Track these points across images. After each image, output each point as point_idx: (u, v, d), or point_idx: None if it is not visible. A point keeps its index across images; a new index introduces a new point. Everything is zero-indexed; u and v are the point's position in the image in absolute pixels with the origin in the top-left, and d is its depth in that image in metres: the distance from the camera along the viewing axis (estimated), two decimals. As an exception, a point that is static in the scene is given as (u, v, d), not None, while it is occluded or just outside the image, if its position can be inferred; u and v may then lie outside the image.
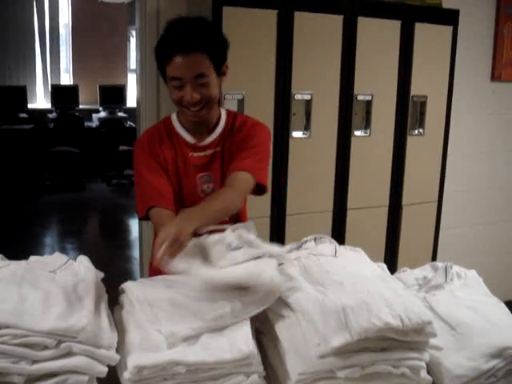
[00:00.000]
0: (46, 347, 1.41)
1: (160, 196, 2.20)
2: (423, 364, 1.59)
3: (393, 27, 3.71)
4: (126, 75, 11.50)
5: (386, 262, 2.13)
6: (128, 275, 5.47)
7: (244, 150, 2.25)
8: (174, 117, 2.35)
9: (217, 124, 2.31)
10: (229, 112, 2.40)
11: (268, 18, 3.31)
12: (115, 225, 8.17)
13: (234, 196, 2.16)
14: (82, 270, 1.76)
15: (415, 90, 3.85)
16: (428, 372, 1.62)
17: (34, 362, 1.40)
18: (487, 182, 4.88)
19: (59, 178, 9.72)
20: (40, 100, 10.92)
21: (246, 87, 3.29)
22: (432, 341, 1.60)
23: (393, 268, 2.07)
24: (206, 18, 2.24)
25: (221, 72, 2.19)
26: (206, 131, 2.30)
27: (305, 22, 3.40)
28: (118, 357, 1.48)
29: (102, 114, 10.40)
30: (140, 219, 2.32)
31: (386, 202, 3.92)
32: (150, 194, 2.22)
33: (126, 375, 1.42)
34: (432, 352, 1.63)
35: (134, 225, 7.81)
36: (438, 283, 1.95)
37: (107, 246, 7.06)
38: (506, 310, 1.87)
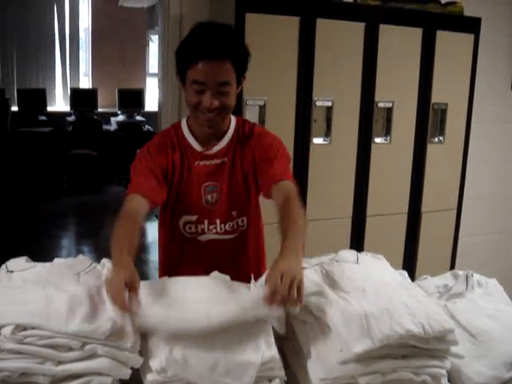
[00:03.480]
0: (70, 349, 1.43)
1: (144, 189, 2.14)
2: (444, 372, 1.60)
3: (414, 35, 3.71)
4: (145, 79, 11.54)
5: (404, 269, 2.14)
6: (145, 278, 5.47)
7: (272, 159, 2.19)
8: (183, 122, 2.31)
9: (226, 132, 2.26)
10: (238, 119, 2.34)
11: (290, 25, 3.32)
12: (132, 228, 8.16)
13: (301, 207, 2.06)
14: (106, 272, 1.78)
15: (436, 97, 3.84)
16: (449, 380, 1.63)
17: (59, 363, 1.42)
18: (506, 190, 4.86)
19: (77, 180, 9.76)
20: (59, 103, 10.99)
21: (268, 93, 3.30)
22: (453, 349, 1.60)
23: (411, 275, 2.07)
24: (231, 26, 2.20)
25: (240, 82, 2.15)
26: (215, 139, 2.25)
27: (327, 29, 3.41)
28: (141, 359, 1.49)
29: (121, 118, 10.44)
30: None
31: (406, 209, 3.92)
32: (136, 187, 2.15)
33: (149, 377, 1.43)
34: (453, 360, 1.63)
35: (150, 228, 7.82)
36: (458, 291, 1.95)
37: (124, 249, 7.06)
38: (527, 319, 1.87)
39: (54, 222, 7.94)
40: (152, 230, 7.52)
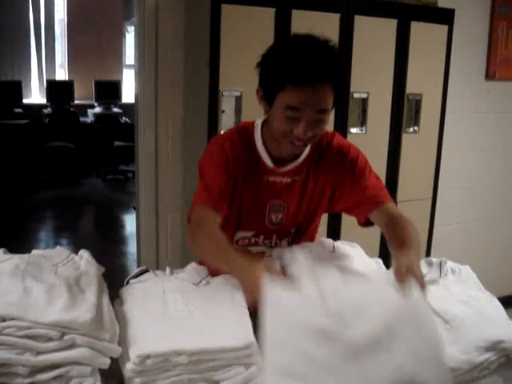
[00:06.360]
0: (50, 339, 1.43)
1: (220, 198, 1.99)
2: (418, 357, 1.62)
3: (389, 26, 3.73)
4: (122, 71, 11.49)
5: (380, 257, 2.17)
6: (124, 270, 5.49)
7: (363, 180, 2.11)
8: (257, 132, 2.06)
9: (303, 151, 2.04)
10: None
11: (266, 16, 3.33)
12: (110, 220, 8.18)
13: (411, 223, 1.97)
14: (84, 263, 1.79)
15: (411, 88, 3.87)
16: (422, 364, 1.65)
17: (39, 353, 1.41)
18: (481, 179, 4.91)
19: (54, 173, 9.73)
20: (35, 95, 10.92)
21: (244, 84, 3.28)
22: (427, 334, 1.63)
23: (388, 263, 2.10)
24: (330, 41, 1.89)
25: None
26: (291, 157, 2.03)
27: (302, 21, 3.41)
28: (119, 349, 1.50)
29: (98, 110, 10.41)
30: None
31: (381, 198, 3.94)
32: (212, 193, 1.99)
33: (128, 366, 1.44)
34: (427, 345, 1.65)
35: (129, 220, 7.84)
36: (432, 278, 1.97)
37: (102, 242, 7.07)
38: (499, 304, 1.90)
39: (32, 215, 7.91)
40: (130, 221, 7.52)
